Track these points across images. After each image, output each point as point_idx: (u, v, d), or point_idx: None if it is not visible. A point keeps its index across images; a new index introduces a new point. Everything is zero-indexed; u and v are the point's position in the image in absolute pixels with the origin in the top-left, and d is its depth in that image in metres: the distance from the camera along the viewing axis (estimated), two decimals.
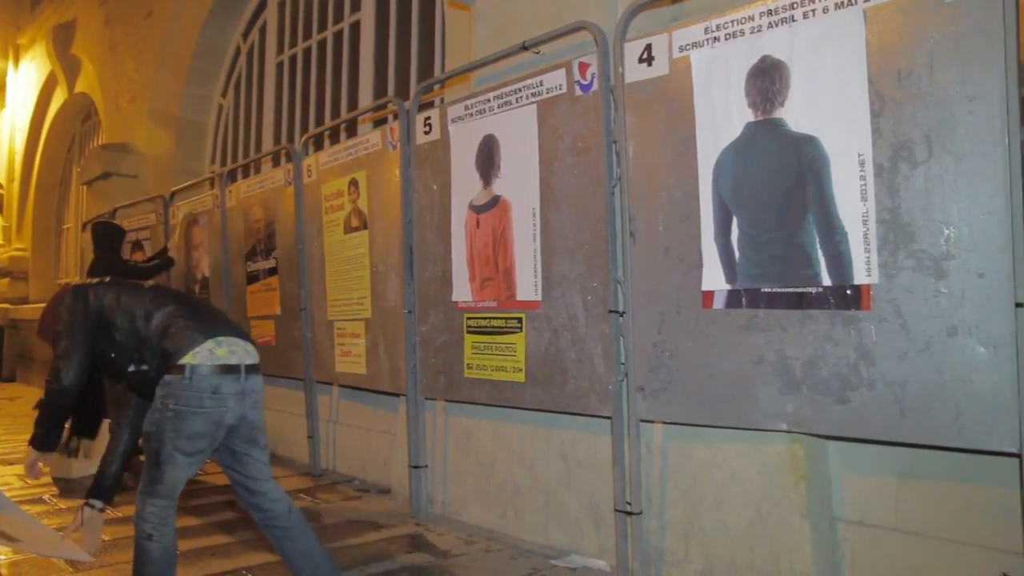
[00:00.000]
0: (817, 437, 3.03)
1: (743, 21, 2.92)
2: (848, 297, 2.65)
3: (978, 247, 2.39)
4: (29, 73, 14.32)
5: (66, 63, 12.80)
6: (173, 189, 7.77)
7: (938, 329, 2.47)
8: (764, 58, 2.85)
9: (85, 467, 5.40)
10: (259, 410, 2.78)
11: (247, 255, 6.25)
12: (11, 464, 6.02)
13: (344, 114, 6.96)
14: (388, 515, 4.42)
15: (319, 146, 6.58)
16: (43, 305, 2.94)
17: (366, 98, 6.77)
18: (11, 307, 14.03)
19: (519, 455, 4.01)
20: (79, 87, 12.43)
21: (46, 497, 4.97)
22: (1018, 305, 2.35)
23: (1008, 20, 2.32)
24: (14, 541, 2.86)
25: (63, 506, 4.76)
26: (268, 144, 8.25)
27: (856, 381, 2.64)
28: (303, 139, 5.74)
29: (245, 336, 2.79)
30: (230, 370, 2.60)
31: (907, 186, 2.51)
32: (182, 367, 2.53)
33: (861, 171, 2.61)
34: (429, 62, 6.10)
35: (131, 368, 2.69)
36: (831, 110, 2.69)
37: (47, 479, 5.38)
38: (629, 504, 3.30)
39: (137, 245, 8.28)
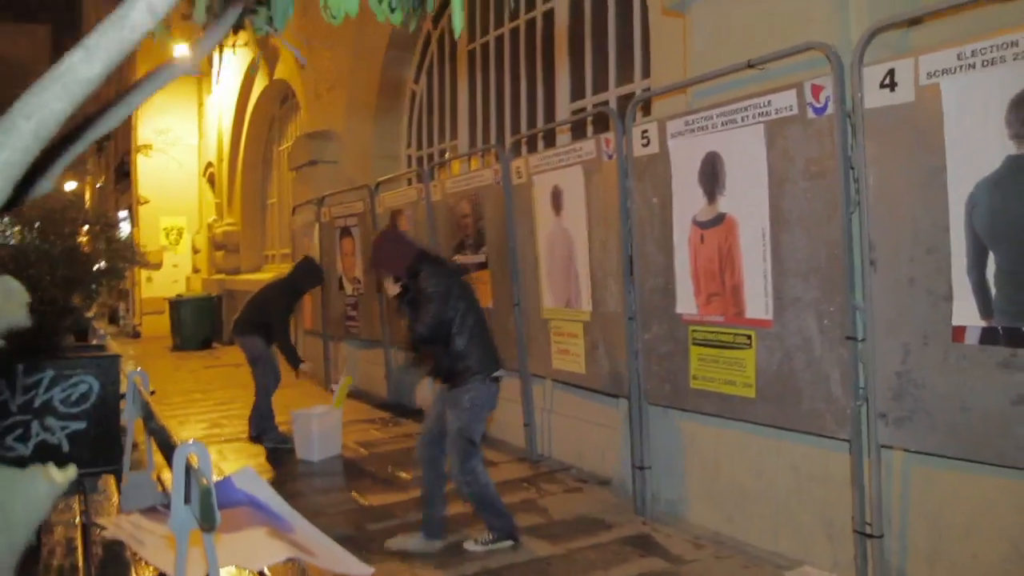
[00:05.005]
0: None
1: (1004, 47, 2.81)
2: None
3: None
4: (234, 60, 15.47)
5: (266, 51, 13.74)
6: (378, 180, 8.30)
7: None
8: None
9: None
10: None
11: (455, 247, 6.63)
12: (261, 442, 6.78)
13: (542, 111, 7.16)
14: (613, 511, 4.68)
15: (520, 145, 6.81)
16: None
17: (563, 95, 6.92)
18: (227, 277, 15.47)
19: (745, 461, 4.13)
20: (278, 74, 13.32)
21: (298, 482, 5.59)
22: None
23: None
24: (311, 556, 3.33)
25: (316, 491, 5.34)
26: (463, 132, 8.60)
27: None
28: (511, 141, 5.98)
29: None
30: None
31: None
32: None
33: None
34: (627, 63, 6.15)
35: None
36: None
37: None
38: (869, 526, 3.36)
39: (346, 231, 8.93)
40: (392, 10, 1.64)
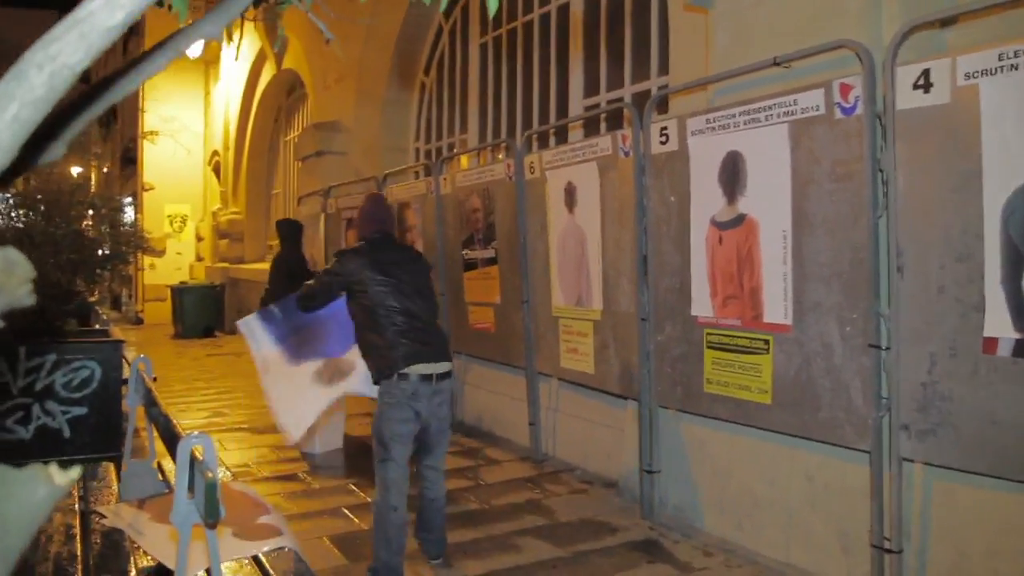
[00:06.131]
0: None
1: None
2: None
3: None
4: (241, 48, 15.38)
5: (281, 45, 13.65)
6: (386, 172, 8.21)
7: None
8: None
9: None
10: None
11: (464, 242, 6.54)
12: (262, 433, 6.70)
13: (554, 106, 7.07)
14: (619, 514, 4.59)
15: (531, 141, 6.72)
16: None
17: (576, 91, 6.83)
18: (230, 266, 15.39)
19: (758, 469, 4.04)
20: (287, 63, 13.23)
21: (299, 474, 5.52)
22: None
23: None
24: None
25: (316, 485, 5.27)
26: (473, 126, 8.51)
27: None
28: (525, 135, 5.89)
29: None
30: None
31: None
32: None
33: None
34: (643, 59, 6.06)
35: None
36: None
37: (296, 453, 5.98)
38: (888, 540, 3.27)
39: (351, 223, 8.83)
40: None
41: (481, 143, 8.20)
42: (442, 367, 3.67)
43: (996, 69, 2.85)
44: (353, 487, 5.13)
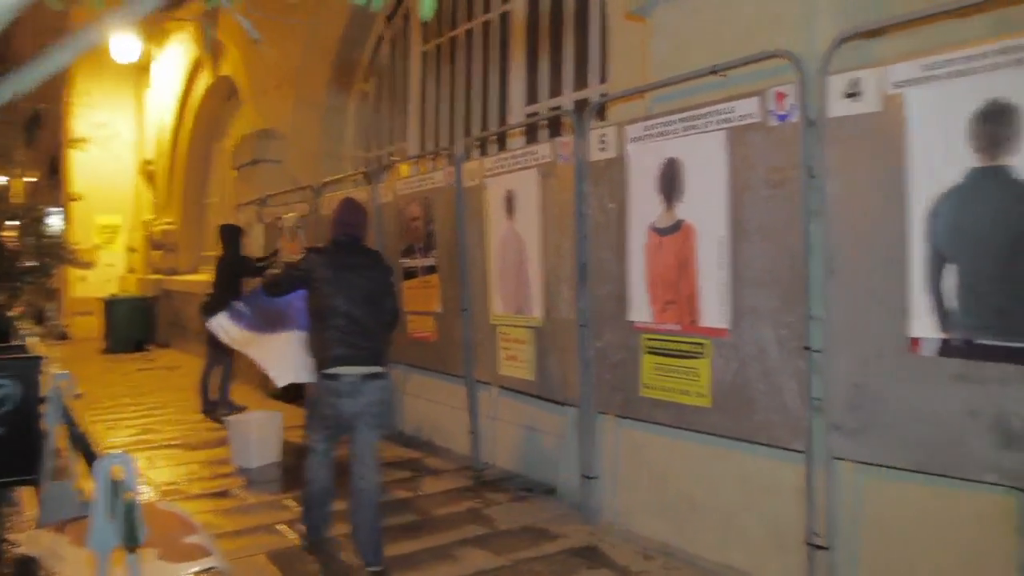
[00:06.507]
0: None
1: (973, 59, 2.79)
2: None
3: None
4: (175, 55, 15.01)
5: (211, 47, 13.35)
6: (324, 180, 8.08)
7: None
8: (995, 100, 2.73)
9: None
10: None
11: (404, 251, 6.46)
12: (194, 449, 6.50)
13: (496, 114, 7.05)
14: (559, 521, 4.57)
15: (472, 149, 6.69)
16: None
17: (517, 98, 6.83)
18: (164, 278, 14.96)
19: (695, 472, 4.07)
20: (223, 70, 12.95)
21: (233, 490, 5.36)
22: None
23: None
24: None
25: (252, 500, 5.12)
26: (414, 134, 8.44)
27: None
28: (465, 143, 5.86)
29: None
30: None
31: None
32: None
33: None
34: (584, 67, 6.09)
35: None
36: None
37: (233, 468, 5.81)
38: (818, 536, 3.32)
39: (288, 232, 8.67)
40: None
41: (421, 151, 8.13)
42: (370, 370, 3.89)
43: (922, 79, 2.93)
44: (291, 502, 5.00)
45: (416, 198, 6.26)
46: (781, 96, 3.39)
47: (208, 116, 14.69)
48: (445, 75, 8.02)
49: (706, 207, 3.74)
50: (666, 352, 3.98)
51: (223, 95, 14.03)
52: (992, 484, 2.86)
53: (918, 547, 3.16)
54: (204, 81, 13.97)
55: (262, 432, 5.94)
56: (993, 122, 2.73)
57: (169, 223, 15.50)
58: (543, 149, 4.82)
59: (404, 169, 8.04)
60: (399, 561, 3.97)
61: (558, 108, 6.28)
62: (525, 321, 5.04)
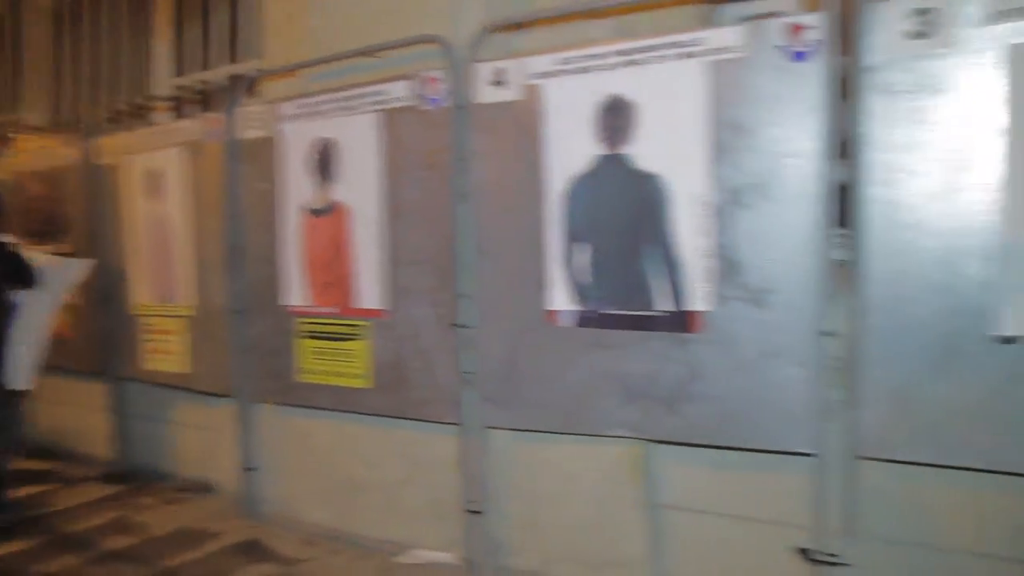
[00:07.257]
0: (651, 441, 3.36)
1: (595, 57, 3.10)
2: (683, 322, 2.97)
3: (792, 283, 2.78)
4: None
5: None
6: None
7: (758, 352, 2.86)
8: (614, 95, 3.06)
9: None
10: None
11: (33, 235, 5.61)
12: None
13: (138, 86, 6.41)
14: (218, 518, 4.31)
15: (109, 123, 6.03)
16: None
17: (164, 70, 6.26)
18: None
19: (360, 454, 4.07)
20: None
21: None
22: (821, 333, 2.77)
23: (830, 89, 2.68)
24: None
25: None
26: (39, 103, 7.38)
27: (687, 394, 2.98)
28: (101, 117, 5.25)
29: None
30: None
31: (737, 226, 2.85)
32: None
33: (698, 210, 2.91)
34: (238, 40, 5.77)
35: None
36: (674, 152, 2.96)
37: None
38: (474, 503, 3.50)
39: None
40: None
41: (50, 123, 7.14)
42: None
43: (555, 72, 3.19)
44: None
45: (41, 176, 5.50)
46: (433, 80, 3.49)
47: None
48: (78, 40, 7.11)
49: (361, 188, 3.75)
50: (324, 336, 3.92)
51: None
52: (620, 437, 3.21)
53: (561, 501, 3.47)
54: None
55: None
56: (613, 114, 3.07)
57: None
58: (191, 125, 4.49)
59: (25, 143, 7.01)
60: None
61: (209, 82, 5.88)
62: (172, 310, 4.66)
